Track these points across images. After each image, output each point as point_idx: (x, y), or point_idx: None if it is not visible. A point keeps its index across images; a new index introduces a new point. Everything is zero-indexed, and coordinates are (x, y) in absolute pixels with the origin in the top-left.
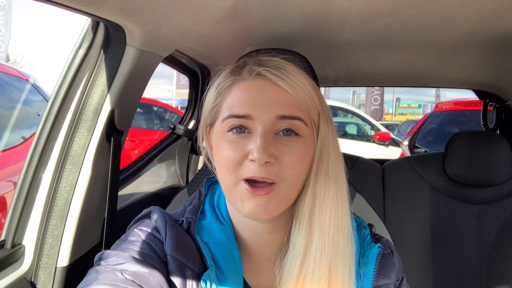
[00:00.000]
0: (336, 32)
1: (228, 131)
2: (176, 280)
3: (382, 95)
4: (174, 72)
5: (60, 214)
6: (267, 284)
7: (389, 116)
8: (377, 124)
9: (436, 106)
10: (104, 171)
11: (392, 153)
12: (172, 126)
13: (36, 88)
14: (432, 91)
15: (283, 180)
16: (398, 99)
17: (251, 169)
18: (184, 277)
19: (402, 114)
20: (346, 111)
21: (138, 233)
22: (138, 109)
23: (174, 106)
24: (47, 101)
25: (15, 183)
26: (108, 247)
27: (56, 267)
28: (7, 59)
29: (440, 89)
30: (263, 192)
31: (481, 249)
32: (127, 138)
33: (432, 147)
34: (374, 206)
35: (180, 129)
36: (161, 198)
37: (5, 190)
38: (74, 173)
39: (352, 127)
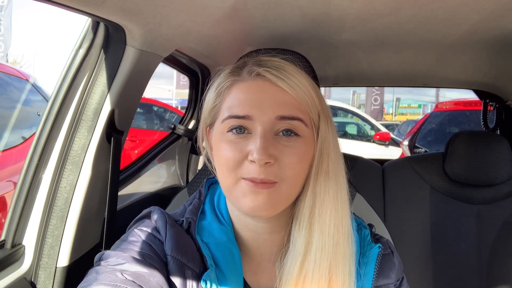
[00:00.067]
0: (336, 32)
1: (228, 131)
2: (176, 280)
3: (382, 95)
4: (174, 72)
5: (60, 214)
6: (267, 284)
7: (389, 116)
8: (377, 124)
9: (436, 106)
10: (104, 171)
11: (392, 153)
12: (172, 126)
13: (36, 88)
14: (432, 91)
15: (283, 180)
16: (398, 99)
17: (250, 170)
18: (184, 277)
19: (402, 114)
20: (346, 111)
21: (138, 233)
22: (138, 109)
23: (174, 106)
24: (47, 101)
25: (15, 183)
26: (108, 247)
27: (56, 267)
28: (7, 59)
29: (440, 89)
30: (264, 186)
31: (481, 249)
32: (127, 138)
33: (432, 147)
34: (374, 206)
35: (180, 129)
36: (161, 198)
37: (5, 190)
38: (74, 173)
39: (352, 127)
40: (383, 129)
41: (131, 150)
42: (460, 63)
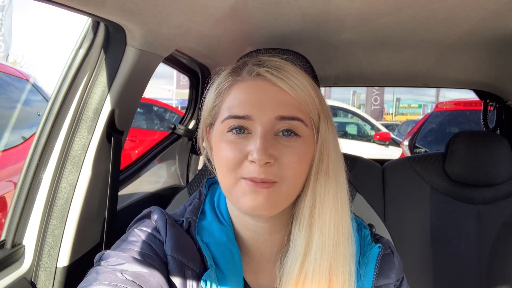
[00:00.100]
0: (336, 32)
1: (228, 131)
2: (176, 280)
3: (382, 95)
4: (174, 72)
5: (60, 214)
6: (267, 284)
7: (389, 116)
8: (377, 124)
9: (436, 106)
10: (104, 171)
11: (392, 153)
12: (173, 126)
13: (36, 88)
14: (432, 91)
15: (283, 180)
16: (398, 99)
17: (250, 170)
18: (184, 277)
19: (402, 114)
20: (346, 111)
21: (138, 233)
22: (138, 109)
23: (174, 106)
24: (47, 101)
25: (15, 183)
26: (108, 247)
27: (56, 267)
28: (7, 59)
29: (440, 89)
30: (265, 186)
31: (481, 249)
32: (127, 138)
33: (432, 147)
34: (374, 206)
35: (180, 129)
36: (161, 198)
37: (5, 190)
38: (75, 173)
39: (352, 127)
40: (383, 129)
41: (131, 150)
42: (460, 63)
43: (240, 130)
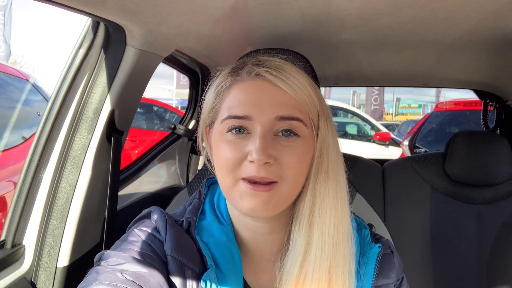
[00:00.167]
0: (336, 32)
1: (227, 131)
2: (176, 280)
3: (382, 95)
4: (174, 72)
5: (60, 214)
6: (267, 284)
7: (389, 116)
8: (377, 124)
9: (436, 106)
10: (104, 171)
11: (392, 153)
12: (172, 126)
13: (36, 88)
14: (432, 91)
15: (284, 180)
16: (398, 99)
17: (250, 169)
18: (184, 277)
19: (402, 114)
20: (346, 111)
21: (138, 233)
22: (138, 109)
23: (174, 106)
24: (47, 101)
25: (15, 183)
26: (108, 247)
27: (56, 267)
28: (7, 59)
29: (440, 89)
30: (264, 189)
31: (481, 249)
32: (127, 138)
33: (432, 147)
34: (374, 206)
35: (180, 129)
36: (161, 198)
37: (5, 190)
38: (75, 173)
39: (352, 127)
40: (383, 129)
41: (131, 150)
42: (460, 63)
43: (240, 130)
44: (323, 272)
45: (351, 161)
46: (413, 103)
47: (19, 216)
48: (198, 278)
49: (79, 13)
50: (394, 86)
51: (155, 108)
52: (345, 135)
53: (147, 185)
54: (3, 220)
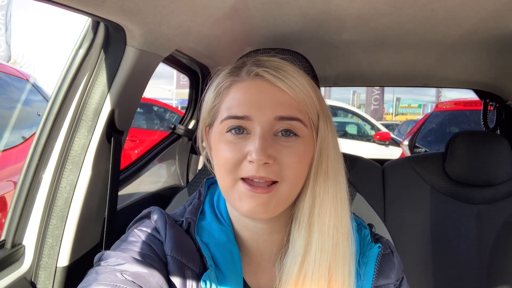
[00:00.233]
0: (336, 32)
1: (227, 132)
2: (176, 281)
3: (382, 95)
4: (174, 72)
5: (60, 214)
6: (267, 284)
7: (389, 116)
8: (377, 124)
9: (436, 106)
10: (104, 171)
11: (392, 153)
12: (172, 126)
13: (36, 88)
14: (432, 91)
15: (284, 180)
16: (398, 99)
17: (249, 169)
18: (184, 277)
19: (402, 114)
20: (346, 111)
21: (138, 234)
22: (138, 109)
23: (174, 106)
24: (47, 101)
25: (15, 183)
26: (108, 247)
27: (56, 267)
28: (8, 59)
29: (440, 89)
30: (263, 191)
31: (481, 249)
32: (127, 138)
33: (432, 147)
34: (374, 206)
35: (180, 129)
36: (161, 198)
37: (5, 190)
38: (74, 173)
39: (352, 127)
40: (383, 129)
41: (131, 150)
42: (460, 63)
43: (239, 131)
44: (323, 272)
45: (351, 161)
46: (413, 103)
47: (19, 216)
48: (198, 278)
49: (79, 13)
50: (394, 86)
51: (155, 108)
52: (345, 135)
53: (147, 185)
54: (3, 220)
